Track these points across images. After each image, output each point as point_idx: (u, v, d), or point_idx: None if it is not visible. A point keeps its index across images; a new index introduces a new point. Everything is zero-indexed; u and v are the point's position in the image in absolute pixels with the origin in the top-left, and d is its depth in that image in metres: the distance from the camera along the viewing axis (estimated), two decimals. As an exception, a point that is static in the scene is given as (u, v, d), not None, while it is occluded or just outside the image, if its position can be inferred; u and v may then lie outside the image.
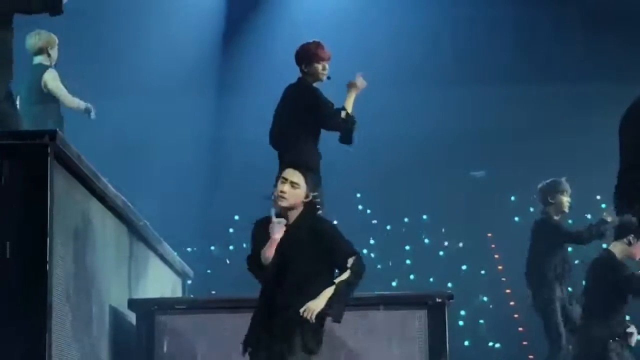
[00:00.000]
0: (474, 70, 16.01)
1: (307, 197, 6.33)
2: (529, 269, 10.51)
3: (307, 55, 8.13)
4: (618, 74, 15.81)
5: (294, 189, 6.27)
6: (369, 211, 16.05)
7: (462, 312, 14.78)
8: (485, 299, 15.11)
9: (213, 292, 13.88)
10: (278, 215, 6.22)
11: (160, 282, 8.04)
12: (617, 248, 9.03)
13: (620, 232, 9.08)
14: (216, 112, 16.29)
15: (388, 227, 15.95)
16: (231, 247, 15.98)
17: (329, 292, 6.16)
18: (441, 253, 15.77)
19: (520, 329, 14.51)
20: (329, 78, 8.27)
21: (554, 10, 16.31)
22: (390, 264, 15.45)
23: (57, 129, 5.19)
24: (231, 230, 16.07)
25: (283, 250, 6.27)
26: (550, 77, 15.99)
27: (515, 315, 14.73)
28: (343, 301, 6.21)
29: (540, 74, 16.00)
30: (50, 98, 9.23)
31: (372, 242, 15.35)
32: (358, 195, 16.05)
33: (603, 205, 15.96)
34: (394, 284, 14.92)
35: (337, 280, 6.22)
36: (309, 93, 8.09)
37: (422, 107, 15.85)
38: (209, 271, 15.45)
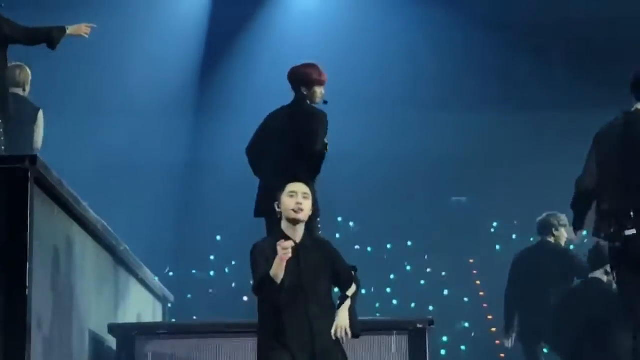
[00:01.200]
0: (456, 95, 16.04)
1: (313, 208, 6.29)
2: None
3: (309, 78, 8.03)
4: (600, 101, 15.86)
5: (307, 200, 6.17)
6: (348, 236, 16.00)
7: (444, 339, 14.73)
8: (467, 324, 15.08)
9: (194, 317, 13.81)
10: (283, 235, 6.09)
11: (141, 306, 7.99)
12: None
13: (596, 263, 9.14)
14: (195, 133, 16.24)
15: (369, 249, 15.90)
16: (212, 273, 15.92)
17: (346, 307, 6.09)
18: (422, 282, 15.73)
19: (502, 355, 14.46)
20: (325, 102, 8.17)
21: (536, 38, 16.36)
22: (372, 290, 15.40)
23: (38, 154, 5.17)
24: (212, 257, 16.02)
25: (301, 271, 6.12)
26: (533, 103, 16.03)
27: (497, 342, 14.67)
28: (357, 315, 6.16)
29: (523, 100, 16.04)
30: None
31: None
32: (339, 219, 16.01)
33: (585, 233, 15.99)
34: (377, 305, 14.88)
35: (349, 294, 6.15)
36: (318, 116, 7.95)
37: (404, 131, 15.84)
38: (189, 296, 15.36)
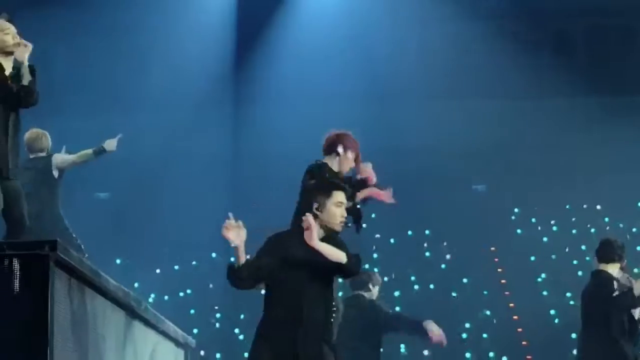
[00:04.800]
0: (476, 85, 16.04)
1: None
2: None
3: (349, 144, 7.87)
4: (619, 87, 15.85)
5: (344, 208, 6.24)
6: (368, 225, 16.02)
7: (467, 325, 14.75)
8: (488, 312, 15.08)
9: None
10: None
11: (162, 357, 8.09)
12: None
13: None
14: (234, 125, 16.46)
15: (392, 241, 15.94)
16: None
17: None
18: (443, 266, 15.75)
19: (524, 342, 14.48)
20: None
21: (556, 24, 16.33)
22: (393, 276, 15.42)
23: (57, 239, 5.30)
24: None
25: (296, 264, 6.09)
26: (553, 91, 16.00)
27: (519, 329, 14.70)
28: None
29: (543, 89, 16.02)
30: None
31: (375, 256, 15.34)
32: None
33: (606, 219, 16.00)
34: (396, 293, 14.91)
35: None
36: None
37: (423, 120, 15.87)
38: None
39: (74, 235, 9.09)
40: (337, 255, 6.02)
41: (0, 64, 6.95)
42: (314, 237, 5.95)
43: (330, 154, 7.81)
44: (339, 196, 6.20)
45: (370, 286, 9.41)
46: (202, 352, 14.18)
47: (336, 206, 6.16)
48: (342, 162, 7.76)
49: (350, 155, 7.80)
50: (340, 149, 7.76)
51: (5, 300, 5.10)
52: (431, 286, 15.32)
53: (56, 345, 5.15)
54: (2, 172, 6.71)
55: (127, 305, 6.80)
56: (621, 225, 15.64)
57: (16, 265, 5.14)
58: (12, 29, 7.10)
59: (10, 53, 7.03)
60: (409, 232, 16.16)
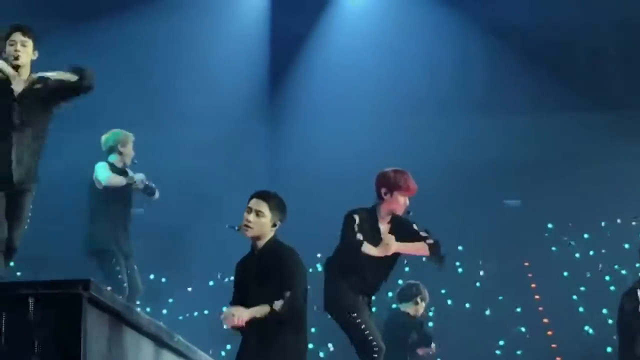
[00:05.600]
0: (507, 99, 16.03)
1: (274, 225, 6.41)
2: None
3: (400, 184, 7.77)
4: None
5: (259, 218, 6.37)
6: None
7: (501, 342, 14.68)
8: (522, 329, 15.02)
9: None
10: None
11: None
12: None
13: None
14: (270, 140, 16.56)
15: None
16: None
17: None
18: (478, 284, 15.69)
19: (558, 358, 14.40)
20: (409, 213, 7.98)
21: (590, 38, 16.31)
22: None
23: (91, 278, 5.41)
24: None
25: (244, 282, 6.50)
26: (588, 104, 15.95)
27: (553, 345, 14.62)
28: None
29: (575, 102, 15.97)
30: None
31: (407, 269, 15.32)
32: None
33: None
34: (430, 313, 14.86)
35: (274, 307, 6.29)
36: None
37: (455, 136, 15.88)
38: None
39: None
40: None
41: (7, 77, 6.99)
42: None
43: (378, 197, 7.72)
44: (250, 202, 6.64)
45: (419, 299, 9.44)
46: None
47: (247, 212, 6.57)
48: (389, 205, 7.67)
49: (400, 198, 7.67)
50: (384, 193, 7.68)
51: (38, 340, 5.21)
52: (466, 303, 15.27)
53: None
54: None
55: (160, 338, 6.91)
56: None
57: (49, 304, 5.24)
58: (16, 41, 7.12)
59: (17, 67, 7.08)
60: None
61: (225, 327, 6.39)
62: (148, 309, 15.71)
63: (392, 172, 7.84)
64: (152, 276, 16.05)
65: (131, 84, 15.04)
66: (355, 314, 7.46)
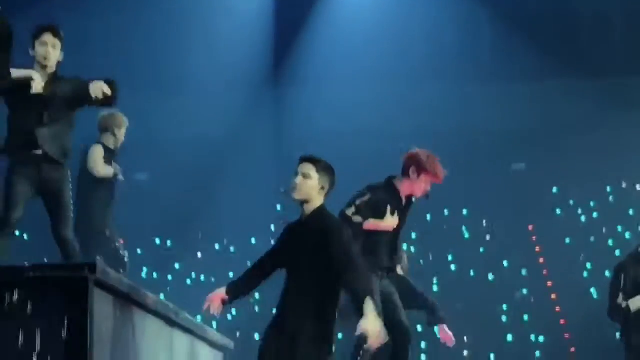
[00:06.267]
0: (513, 66, 16.01)
1: (322, 188, 6.37)
2: None
3: (429, 168, 7.73)
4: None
5: (306, 180, 6.34)
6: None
7: (504, 307, 14.75)
8: (525, 291, 15.08)
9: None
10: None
11: None
12: None
13: None
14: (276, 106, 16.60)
15: (428, 217, 15.93)
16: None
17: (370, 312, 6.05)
18: (482, 250, 15.74)
19: (562, 321, 14.48)
20: (427, 197, 7.94)
21: (594, 3, 16.24)
22: (430, 258, 15.44)
23: (97, 261, 5.42)
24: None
25: (289, 250, 6.35)
26: (593, 70, 15.92)
27: (557, 309, 14.69)
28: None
29: (583, 68, 15.94)
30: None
31: (413, 236, 15.37)
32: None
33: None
34: (435, 279, 14.93)
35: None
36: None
37: (462, 102, 15.88)
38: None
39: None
40: None
41: (31, 76, 7.05)
42: None
43: (404, 174, 7.71)
44: (298, 166, 6.47)
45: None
46: (237, 334, 14.33)
47: (294, 175, 6.41)
48: (412, 186, 7.67)
49: (425, 182, 7.66)
50: (412, 173, 7.66)
51: (46, 324, 5.23)
52: (470, 267, 15.33)
53: None
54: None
55: (166, 317, 6.95)
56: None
57: (56, 287, 5.26)
58: (47, 42, 7.22)
59: (45, 67, 7.15)
60: (446, 211, 16.15)
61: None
62: (154, 275, 15.83)
63: (426, 154, 7.80)
64: (157, 241, 16.13)
65: (131, 51, 15.02)
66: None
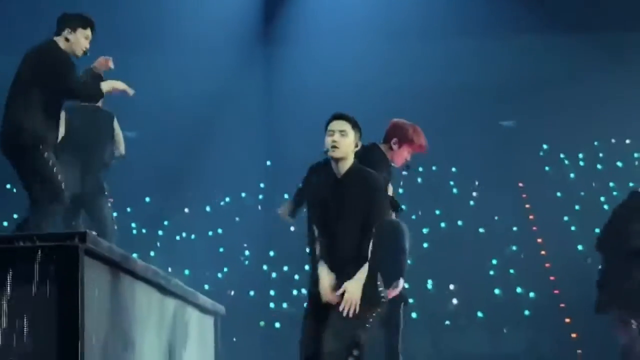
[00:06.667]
0: (503, 21, 15.91)
1: (355, 145, 6.35)
2: None
3: (414, 139, 7.63)
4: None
5: (344, 137, 6.30)
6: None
7: (494, 262, 14.81)
8: (515, 248, 15.13)
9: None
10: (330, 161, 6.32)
11: (193, 327, 8.27)
12: None
13: None
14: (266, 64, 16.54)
15: (419, 180, 15.95)
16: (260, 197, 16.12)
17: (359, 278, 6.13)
18: (472, 203, 15.78)
19: (552, 277, 14.54)
20: (407, 167, 7.79)
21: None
22: (420, 213, 15.48)
23: (87, 230, 5.40)
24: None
25: (330, 206, 6.28)
26: (581, 26, 15.86)
27: (547, 264, 14.75)
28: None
29: (571, 23, 15.87)
30: None
31: (400, 191, 15.37)
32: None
33: (636, 155, 15.96)
34: (425, 230, 14.97)
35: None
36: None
37: (450, 58, 15.81)
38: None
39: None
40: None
41: None
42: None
43: (386, 143, 7.63)
44: (329, 126, 6.39)
45: None
46: (232, 292, 14.36)
47: (329, 135, 6.35)
48: (392, 155, 7.62)
49: (406, 152, 7.61)
50: (393, 143, 7.59)
51: (37, 293, 5.22)
52: (459, 223, 15.36)
53: (88, 330, 5.30)
54: None
55: (157, 284, 6.95)
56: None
57: (47, 256, 5.23)
58: (89, 37, 7.18)
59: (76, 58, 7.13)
60: (434, 168, 16.16)
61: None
62: (144, 231, 15.83)
63: (410, 126, 7.71)
64: (147, 199, 16.12)
65: (127, 7, 14.93)
66: None
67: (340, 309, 6.07)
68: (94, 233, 5.53)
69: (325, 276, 6.18)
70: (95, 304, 5.45)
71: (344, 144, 6.28)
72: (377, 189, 6.28)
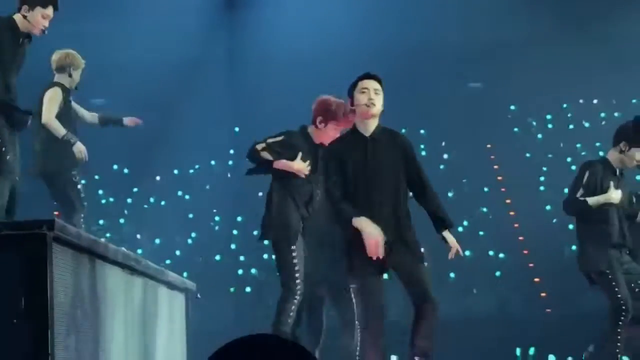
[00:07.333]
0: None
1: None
2: None
3: (337, 116, 7.43)
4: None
5: (378, 96, 6.26)
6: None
7: (465, 223, 14.85)
8: (485, 209, 15.18)
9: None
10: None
11: (163, 305, 8.27)
12: (612, 156, 8.66)
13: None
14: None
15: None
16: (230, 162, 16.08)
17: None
18: (442, 167, 15.81)
19: (521, 238, 14.61)
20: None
21: None
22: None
23: (55, 219, 5.33)
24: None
25: (368, 164, 6.23)
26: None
27: (516, 225, 14.82)
28: None
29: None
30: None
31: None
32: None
33: (602, 114, 16.02)
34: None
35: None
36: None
37: (418, 18, 15.76)
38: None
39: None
40: None
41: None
42: None
43: (313, 123, 7.37)
44: (361, 84, 6.34)
45: None
46: (200, 258, 14.34)
47: (362, 93, 6.31)
48: (319, 135, 7.31)
49: (332, 130, 7.22)
50: (319, 122, 7.34)
51: (5, 283, 5.15)
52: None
53: (58, 317, 5.28)
54: None
55: (128, 266, 6.92)
56: (616, 115, 15.68)
57: (15, 245, 5.18)
58: (49, 16, 7.02)
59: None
60: (403, 130, 16.15)
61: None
62: (112, 199, 15.77)
63: (333, 101, 7.44)
64: (115, 166, 16.04)
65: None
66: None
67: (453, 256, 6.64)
68: (61, 222, 5.48)
69: (375, 230, 6.14)
70: (64, 291, 5.42)
71: (379, 101, 6.26)
72: (410, 145, 6.41)
